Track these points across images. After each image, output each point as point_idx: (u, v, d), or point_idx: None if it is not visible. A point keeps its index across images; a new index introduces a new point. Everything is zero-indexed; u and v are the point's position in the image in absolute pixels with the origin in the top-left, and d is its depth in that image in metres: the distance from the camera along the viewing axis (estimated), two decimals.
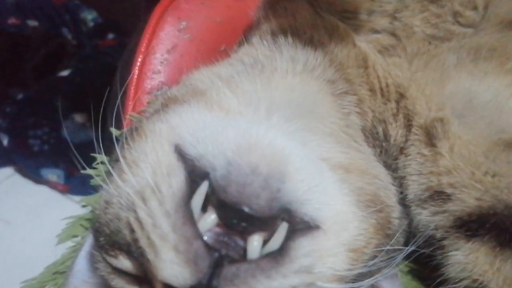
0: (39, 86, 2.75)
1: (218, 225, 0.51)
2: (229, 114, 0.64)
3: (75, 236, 0.87)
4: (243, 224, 0.49)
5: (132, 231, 0.53)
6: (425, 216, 0.73)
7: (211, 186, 0.51)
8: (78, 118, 2.61)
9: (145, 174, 0.55)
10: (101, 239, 0.61)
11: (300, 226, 0.54)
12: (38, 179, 2.49)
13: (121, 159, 0.61)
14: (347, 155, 0.67)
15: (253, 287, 0.48)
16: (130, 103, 0.95)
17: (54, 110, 2.60)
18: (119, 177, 0.59)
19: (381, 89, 0.80)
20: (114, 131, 0.81)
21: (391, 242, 0.67)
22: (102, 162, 0.93)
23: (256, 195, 0.50)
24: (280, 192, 0.51)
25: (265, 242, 0.51)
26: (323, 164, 0.62)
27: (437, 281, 0.71)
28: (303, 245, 0.52)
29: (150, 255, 0.50)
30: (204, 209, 0.52)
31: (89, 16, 3.07)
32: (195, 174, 0.53)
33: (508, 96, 0.77)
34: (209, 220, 0.50)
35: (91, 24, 3.11)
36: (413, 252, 0.75)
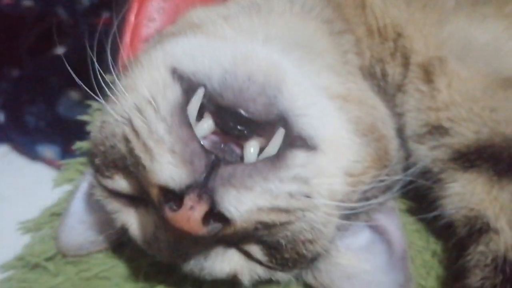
0: (35, 64, 2.73)
1: (215, 132, 0.51)
2: (226, 40, 0.63)
3: (71, 180, 0.86)
4: (240, 127, 0.49)
5: (127, 142, 0.53)
6: (423, 151, 0.73)
7: (207, 95, 0.50)
8: (74, 95, 2.60)
9: (141, 91, 0.55)
10: (96, 160, 0.60)
11: (298, 143, 0.54)
12: (34, 156, 2.48)
13: (117, 84, 0.60)
14: (345, 86, 0.67)
15: (250, 187, 0.47)
16: (126, 50, 0.93)
17: (49, 87, 2.59)
18: (116, 98, 0.58)
19: (379, 29, 0.79)
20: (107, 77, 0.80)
21: (389, 173, 0.66)
22: (98, 109, 0.93)
23: (253, 99, 0.49)
24: (277, 99, 0.51)
25: (261, 151, 0.50)
26: (322, 91, 0.62)
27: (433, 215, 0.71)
28: (300, 156, 0.52)
29: (146, 161, 0.49)
30: (200, 119, 0.51)
31: None
32: (191, 89, 0.52)
33: (506, 38, 0.77)
34: (205, 126, 0.50)
35: (86, 2, 3.08)
36: (410, 189, 0.75)
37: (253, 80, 0.50)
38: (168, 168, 0.47)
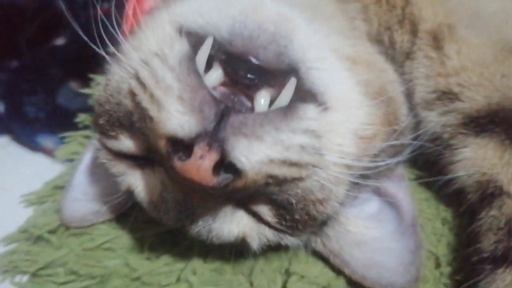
0: (34, 55, 2.72)
1: (224, 84, 0.49)
2: None
3: (74, 153, 0.85)
4: (250, 76, 0.47)
5: (133, 97, 0.51)
6: (433, 118, 0.72)
7: (216, 45, 0.49)
8: (74, 85, 2.58)
9: (148, 46, 0.53)
10: (100, 120, 0.59)
11: (308, 99, 0.52)
12: (34, 147, 2.47)
13: (123, 42, 0.58)
14: (354, 48, 0.66)
15: (261, 137, 0.45)
16: (129, 23, 0.92)
17: (49, 77, 2.57)
18: (122, 56, 0.57)
19: None
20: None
21: (398, 137, 0.65)
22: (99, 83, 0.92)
23: (264, 47, 0.48)
24: (287, 48, 0.49)
25: (271, 104, 0.49)
26: (331, 52, 0.60)
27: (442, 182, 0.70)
28: (312, 110, 0.50)
29: (153, 111, 0.47)
30: (209, 71, 0.50)
31: None
32: (199, 42, 0.50)
33: None
34: (215, 75, 0.48)
35: None
36: (419, 158, 0.74)
37: (264, 28, 0.49)
38: (176, 117, 0.45)
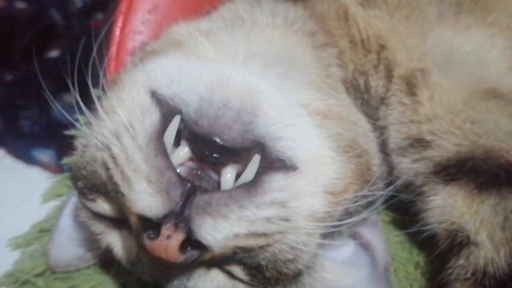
0: (28, 67, 2.73)
1: (191, 159, 0.51)
2: (206, 61, 0.64)
3: (59, 195, 0.87)
4: (215, 155, 0.49)
5: (107, 169, 0.53)
6: (405, 164, 0.74)
7: (184, 122, 0.51)
8: (68, 98, 2.60)
9: (120, 116, 0.55)
10: (79, 183, 0.61)
11: (276, 165, 0.54)
12: (30, 160, 2.48)
13: (98, 107, 0.60)
14: (326, 102, 0.67)
15: (226, 216, 0.48)
16: (112, 63, 0.94)
17: (43, 91, 2.59)
18: (97, 122, 0.59)
19: (362, 41, 0.79)
20: (94, 91, 0.80)
21: (371, 188, 0.67)
22: (86, 123, 0.94)
23: (228, 127, 0.50)
24: (252, 125, 0.51)
25: (238, 177, 0.51)
26: (301, 109, 0.62)
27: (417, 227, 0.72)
28: (278, 179, 0.52)
29: (124, 189, 0.50)
30: (177, 146, 0.52)
31: None
32: (169, 114, 0.53)
33: (489, 48, 0.78)
34: (182, 153, 0.50)
35: (79, 4, 3.07)
36: (394, 202, 0.76)
37: (229, 106, 0.51)
38: (144, 198, 0.48)
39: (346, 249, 0.73)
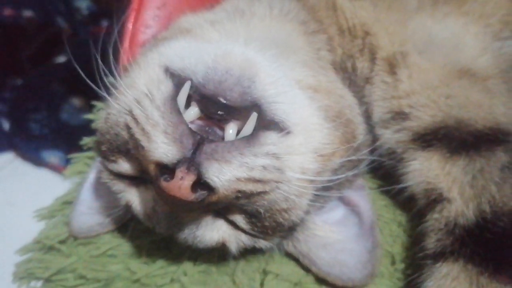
0: (37, 73, 2.83)
1: (200, 118, 0.61)
2: (211, 41, 0.74)
3: (80, 172, 0.96)
4: (220, 112, 0.59)
5: (129, 129, 0.63)
6: (388, 135, 0.83)
7: (193, 87, 0.61)
8: (76, 101, 2.70)
9: (140, 86, 0.65)
10: (103, 147, 0.70)
11: (271, 127, 0.64)
12: (39, 162, 2.57)
13: (119, 81, 0.70)
14: (316, 78, 0.77)
15: (229, 161, 0.57)
16: (125, 55, 1.04)
17: (52, 94, 2.68)
18: (118, 94, 0.69)
19: (349, 29, 0.89)
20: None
21: (355, 153, 0.76)
22: (100, 109, 1.04)
23: (230, 89, 0.59)
24: (250, 88, 0.61)
25: (239, 133, 0.61)
26: (294, 82, 0.72)
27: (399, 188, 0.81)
28: (272, 136, 0.62)
29: (144, 142, 0.59)
30: (188, 107, 0.61)
31: (83, 4, 3.14)
32: (180, 83, 0.62)
33: (463, 34, 0.87)
34: (192, 112, 0.60)
35: (85, 12, 3.19)
36: (379, 169, 0.86)
37: (230, 73, 0.60)
38: (162, 147, 0.57)
39: (337, 211, 0.82)
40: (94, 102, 1.05)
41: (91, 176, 0.91)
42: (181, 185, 0.56)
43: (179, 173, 0.56)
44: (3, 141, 2.72)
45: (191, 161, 0.56)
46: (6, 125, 2.66)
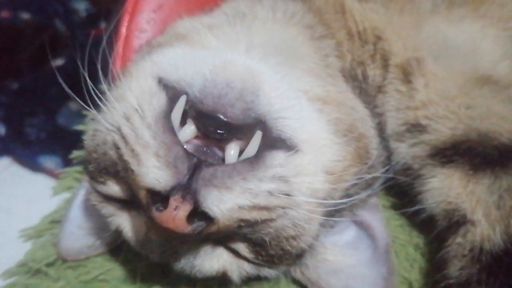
0: (34, 76, 2.78)
1: (197, 137, 0.54)
2: (209, 49, 0.67)
3: (70, 188, 0.90)
4: (220, 131, 0.52)
5: (117, 149, 0.56)
6: (403, 149, 0.76)
7: (189, 102, 0.54)
8: (73, 105, 2.64)
9: (129, 100, 0.58)
10: (90, 167, 0.64)
11: (278, 144, 0.57)
12: (36, 167, 2.51)
13: (108, 93, 0.63)
14: (324, 88, 0.70)
15: (230, 188, 0.50)
16: (118, 60, 0.97)
17: (49, 98, 2.63)
18: (107, 109, 0.62)
19: (359, 33, 0.82)
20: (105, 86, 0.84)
21: (369, 170, 0.70)
22: (92, 119, 0.97)
23: (231, 105, 0.52)
24: (254, 103, 0.54)
25: (241, 154, 0.54)
26: (301, 94, 0.65)
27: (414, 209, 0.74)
28: (279, 156, 0.55)
29: (133, 165, 0.53)
30: (184, 125, 0.54)
31: (81, 6, 3.08)
32: (175, 97, 0.55)
33: (481, 39, 0.80)
34: (188, 131, 0.53)
35: (83, 14, 3.13)
36: (393, 186, 0.79)
37: (231, 86, 0.53)
38: (153, 171, 0.50)
39: (348, 232, 0.76)
40: (86, 112, 0.98)
41: (82, 192, 0.84)
42: (175, 216, 0.49)
43: (173, 202, 0.49)
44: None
45: (187, 188, 0.49)
46: (2, 130, 2.60)
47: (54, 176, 2.61)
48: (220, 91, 0.53)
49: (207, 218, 0.51)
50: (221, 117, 0.52)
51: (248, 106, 0.53)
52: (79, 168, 0.92)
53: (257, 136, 0.53)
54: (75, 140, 0.98)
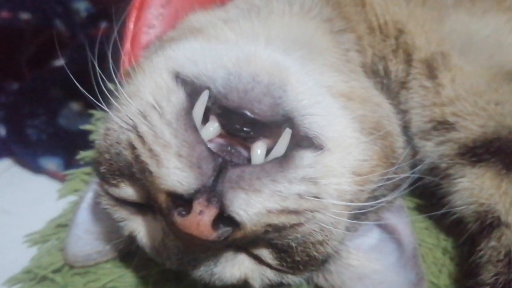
0: (34, 77, 2.74)
1: (220, 136, 0.50)
2: (228, 43, 0.63)
3: (76, 190, 0.86)
4: (246, 129, 0.48)
5: (133, 149, 0.52)
6: (429, 147, 0.73)
7: (212, 98, 0.50)
8: (75, 106, 2.60)
9: (145, 97, 0.54)
10: (102, 168, 0.60)
11: (304, 143, 0.53)
12: (37, 169, 2.48)
13: (120, 90, 0.59)
14: (348, 84, 0.67)
15: (259, 190, 0.46)
16: (126, 57, 0.93)
17: (50, 99, 2.59)
18: (120, 106, 0.58)
19: (380, 26, 0.79)
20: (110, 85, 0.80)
21: (396, 171, 0.66)
22: (100, 118, 0.93)
23: (258, 100, 0.49)
24: (282, 99, 0.50)
25: (268, 152, 0.50)
26: (325, 90, 0.61)
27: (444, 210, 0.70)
28: (308, 156, 0.51)
29: (152, 166, 0.48)
30: (206, 122, 0.50)
31: (82, 6, 3.05)
32: (194, 93, 0.52)
33: (507, 32, 0.77)
34: (211, 129, 0.49)
35: (84, 14, 3.09)
36: (418, 187, 0.75)
37: (258, 80, 0.50)
38: (175, 173, 0.46)
39: (372, 235, 0.72)
40: (92, 111, 0.94)
41: (89, 195, 0.80)
42: (200, 221, 0.45)
43: (198, 206, 0.45)
44: (0, 148, 2.62)
45: (212, 191, 0.45)
46: (2, 131, 2.57)
47: (56, 177, 2.58)
48: (246, 85, 0.49)
49: (233, 223, 0.47)
50: (248, 113, 0.48)
51: (276, 101, 0.49)
52: (85, 169, 0.88)
53: (286, 134, 0.49)
54: (77, 141, 0.94)
